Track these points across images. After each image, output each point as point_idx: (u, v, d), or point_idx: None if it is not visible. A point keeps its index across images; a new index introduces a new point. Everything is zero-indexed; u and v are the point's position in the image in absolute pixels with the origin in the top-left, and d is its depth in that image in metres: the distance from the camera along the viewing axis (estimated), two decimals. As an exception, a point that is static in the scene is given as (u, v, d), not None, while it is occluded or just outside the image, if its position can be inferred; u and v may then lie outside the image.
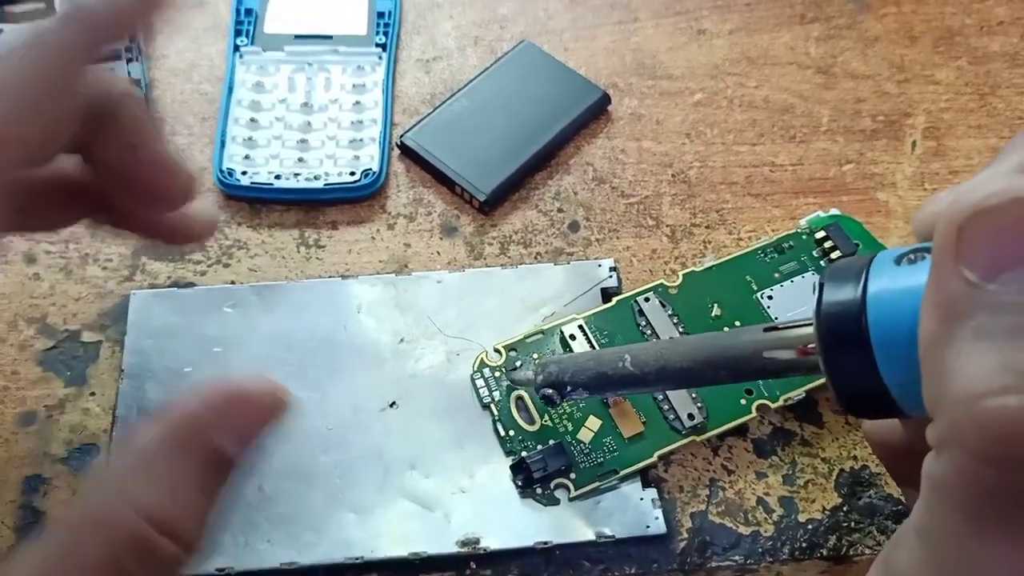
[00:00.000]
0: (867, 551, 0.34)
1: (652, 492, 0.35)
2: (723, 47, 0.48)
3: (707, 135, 0.45)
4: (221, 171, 0.42)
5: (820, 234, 0.40)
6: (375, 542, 0.34)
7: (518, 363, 0.37)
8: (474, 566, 0.34)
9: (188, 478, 0.24)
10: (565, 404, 0.36)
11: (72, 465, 0.36)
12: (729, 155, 0.44)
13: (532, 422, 0.36)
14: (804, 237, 0.40)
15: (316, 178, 0.42)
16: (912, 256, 0.23)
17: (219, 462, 0.25)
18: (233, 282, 0.40)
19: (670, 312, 0.38)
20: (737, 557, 0.34)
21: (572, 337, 0.37)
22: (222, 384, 0.26)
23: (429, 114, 0.44)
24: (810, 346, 0.27)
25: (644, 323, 0.38)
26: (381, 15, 0.47)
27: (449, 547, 0.34)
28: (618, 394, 0.36)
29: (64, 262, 0.40)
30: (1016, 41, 0.49)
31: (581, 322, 0.38)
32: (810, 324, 0.26)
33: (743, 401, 0.36)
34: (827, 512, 0.35)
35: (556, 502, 0.35)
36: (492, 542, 0.34)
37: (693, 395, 0.36)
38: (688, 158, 0.44)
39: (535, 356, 0.37)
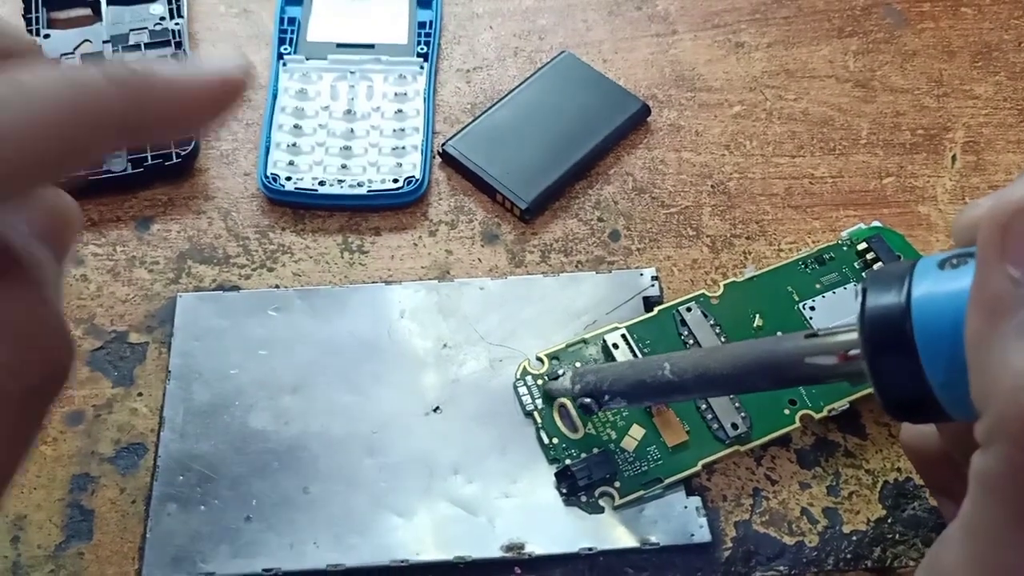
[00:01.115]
0: (911, 563, 0.34)
1: (696, 500, 0.35)
2: (762, 60, 0.48)
3: (746, 147, 0.45)
4: (266, 177, 0.42)
5: (862, 246, 0.40)
6: (419, 545, 0.34)
7: (560, 371, 0.37)
8: (518, 571, 0.34)
9: None
10: (608, 413, 0.36)
11: (120, 464, 0.36)
12: (768, 167, 0.45)
13: (575, 430, 0.36)
14: (845, 249, 0.40)
15: (359, 185, 0.42)
16: (955, 261, 0.23)
17: None
18: (277, 286, 0.40)
19: (712, 322, 0.38)
20: (782, 567, 0.34)
21: (615, 346, 0.38)
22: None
23: (470, 123, 0.45)
24: (852, 352, 0.27)
25: (686, 333, 0.38)
26: (422, 25, 0.48)
27: (494, 552, 0.34)
28: (657, 402, 0.36)
29: (111, 264, 0.41)
30: (1055, 57, 0.49)
31: (624, 331, 0.38)
32: (852, 330, 0.26)
33: (786, 411, 0.36)
34: (871, 524, 0.35)
35: (600, 510, 0.35)
36: (536, 547, 0.34)
37: (736, 405, 0.36)
38: (728, 169, 0.44)
39: (577, 364, 0.38)
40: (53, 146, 0.19)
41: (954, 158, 0.45)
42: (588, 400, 0.33)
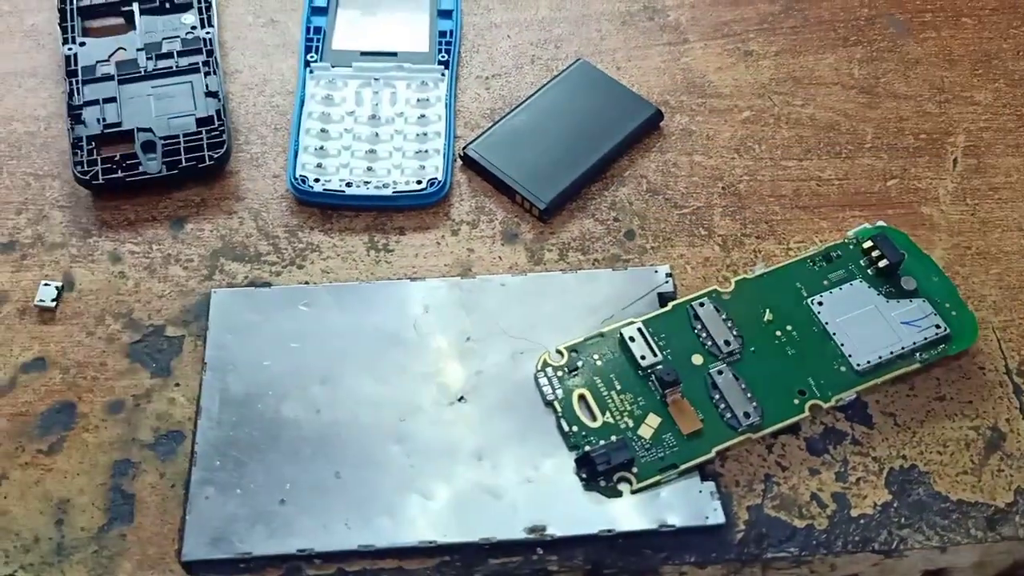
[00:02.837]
0: (916, 545, 0.36)
1: (710, 485, 0.36)
2: (770, 67, 0.50)
3: (755, 150, 0.47)
4: (295, 178, 0.44)
5: (867, 244, 0.41)
6: (446, 527, 0.35)
7: (579, 363, 0.39)
8: (540, 552, 0.35)
9: None
10: (625, 403, 0.38)
11: (159, 451, 0.38)
12: (777, 169, 0.46)
13: (594, 419, 0.38)
14: (851, 247, 0.42)
15: (385, 186, 0.44)
16: None
17: None
18: (307, 283, 0.42)
19: (724, 317, 0.40)
20: (792, 549, 0.36)
21: (631, 339, 0.39)
22: None
23: (490, 127, 0.47)
24: None
25: (699, 327, 0.40)
26: (443, 34, 0.50)
27: (517, 533, 0.35)
28: None
29: (148, 261, 0.42)
30: (1052, 65, 0.51)
31: (640, 325, 0.40)
32: None
33: (796, 401, 0.38)
34: (878, 508, 0.37)
35: (619, 494, 0.36)
36: (557, 530, 0.35)
37: (748, 395, 0.38)
38: (738, 172, 0.46)
39: (595, 357, 0.39)
40: None
41: (955, 161, 0.47)
42: None
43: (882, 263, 0.41)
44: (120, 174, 0.44)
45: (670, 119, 0.48)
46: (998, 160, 0.47)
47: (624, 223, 0.44)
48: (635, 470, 0.37)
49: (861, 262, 0.41)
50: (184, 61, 0.48)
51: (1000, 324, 0.42)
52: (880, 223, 0.43)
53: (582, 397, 0.38)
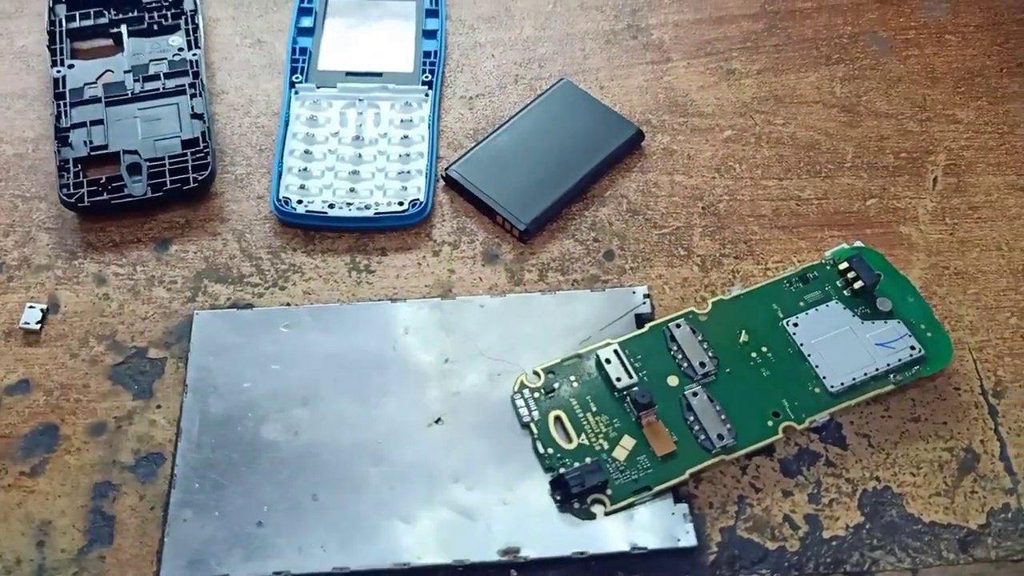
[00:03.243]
0: (888, 567, 0.36)
1: (684, 507, 0.37)
2: (752, 86, 0.50)
3: (736, 170, 0.47)
4: (278, 200, 0.45)
5: (843, 265, 0.42)
6: (421, 549, 0.36)
7: (556, 385, 0.39)
8: (514, 574, 0.36)
9: None
10: (601, 424, 0.38)
11: (140, 473, 0.38)
12: (757, 189, 0.47)
13: (570, 440, 0.38)
14: (828, 268, 0.42)
15: (367, 207, 0.45)
16: None
17: None
18: (289, 304, 0.42)
19: (700, 338, 0.40)
20: (764, 571, 0.36)
21: (607, 361, 0.40)
22: None
23: (472, 148, 0.47)
24: None
25: (676, 348, 0.40)
26: (427, 54, 0.50)
27: (491, 555, 0.36)
28: None
29: (132, 283, 0.43)
30: (1035, 82, 0.51)
31: (616, 347, 0.40)
32: None
33: (770, 423, 0.38)
34: (850, 529, 0.37)
35: (592, 516, 0.37)
36: (531, 552, 0.36)
37: (723, 417, 0.38)
38: (718, 191, 0.47)
39: (572, 378, 0.40)
40: None
41: (935, 180, 0.47)
42: None
43: (857, 284, 0.41)
44: (105, 196, 0.44)
45: (652, 138, 0.48)
46: (978, 179, 0.47)
47: (604, 243, 0.45)
48: (609, 492, 0.37)
49: (837, 283, 0.42)
50: (171, 83, 0.48)
51: (976, 344, 0.42)
52: (858, 243, 0.43)
53: (558, 419, 0.39)
